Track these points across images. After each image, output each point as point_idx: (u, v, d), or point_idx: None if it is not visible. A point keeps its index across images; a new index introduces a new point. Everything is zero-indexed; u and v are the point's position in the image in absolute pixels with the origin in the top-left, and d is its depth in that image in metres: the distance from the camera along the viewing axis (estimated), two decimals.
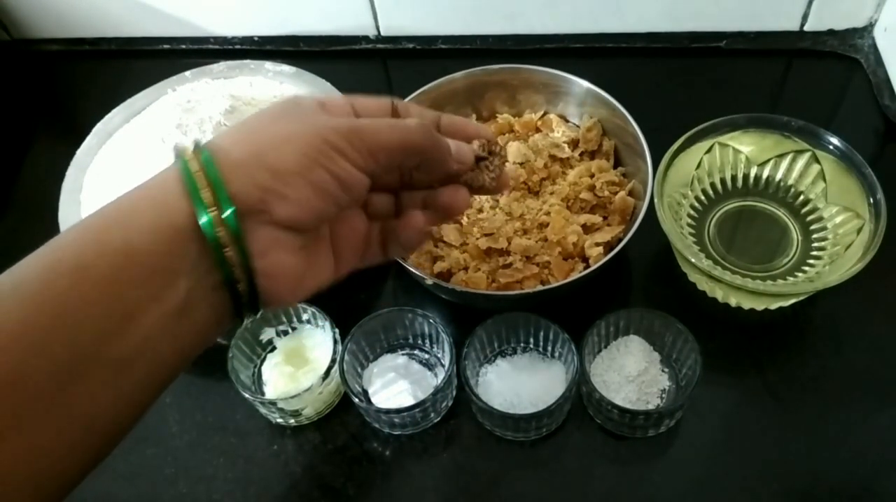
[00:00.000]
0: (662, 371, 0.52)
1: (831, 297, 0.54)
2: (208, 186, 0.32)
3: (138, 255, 0.31)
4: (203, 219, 0.32)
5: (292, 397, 0.49)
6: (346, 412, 0.53)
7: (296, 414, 0.52)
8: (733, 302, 0.55)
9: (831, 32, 0.70)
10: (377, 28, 0.73)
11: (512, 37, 0.73)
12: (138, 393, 0.32)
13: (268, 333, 0.55)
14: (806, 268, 0.53)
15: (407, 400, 0.51)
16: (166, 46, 0.77)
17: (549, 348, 0.53)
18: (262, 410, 0.52)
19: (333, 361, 0.51)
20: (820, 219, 0.55)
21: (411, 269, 0.52)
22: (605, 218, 0.57)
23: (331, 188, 0.35)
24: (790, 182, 0.57)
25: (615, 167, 0.59)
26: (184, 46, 0.77)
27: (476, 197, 0.56)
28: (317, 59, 0.74)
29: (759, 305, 0.54)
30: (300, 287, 0.36)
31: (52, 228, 0.59)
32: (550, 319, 0.51)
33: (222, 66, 0.69)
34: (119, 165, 0.61)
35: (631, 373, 0.51)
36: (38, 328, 0.29)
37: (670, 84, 0.71)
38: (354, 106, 0.39)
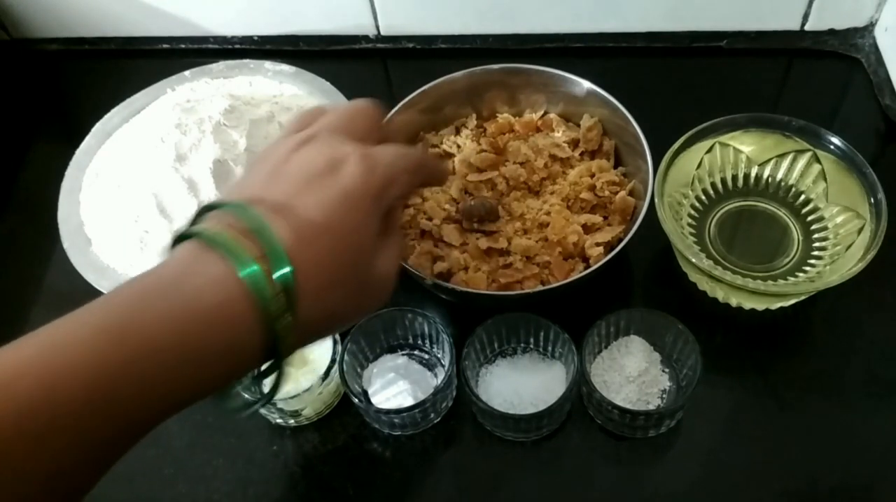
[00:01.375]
0: (663, 371, 0.52)
1: (832, 297, 0.54)
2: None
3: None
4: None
5: (292, 397, 0.49)
6: (345, 412, 0.53)
7: (295, 414, 0.52)
8: (734, 302, 0.55)
9: (832, 32, 0.70)
10: (377, 27, 0.73)
11: (512, 36, 0.73)
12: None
13: None
14: (806, 268, 0.53)
15: (407, 401, 0.51)
16: (166, 46, 0.77)
17: (550, 348, 0.53)
18: (262, 410, 0.52)
19: (333, 361, 0.51)
20: (821, 219, 0.55)
21: (411, 269, 0.52)
22: (605, 218, 0.57)
23: None
24: (791, 182, 0.57)
25: (615, 167, 0.59)
26: (183, 46, 0.77)
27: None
28: (316, 59, 0.73)
29: (760, 305, 0.54)
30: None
31: (51, 228, 0.59)
32: (551, 319, 0.51)
33: (222, 65, 0.69)
34: (118, 165, 0.61)
35: (631, 374, 0.51)
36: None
37: (671, 83, 0.71)
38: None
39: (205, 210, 0.35)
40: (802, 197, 0.56)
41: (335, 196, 0.35)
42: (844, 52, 0.70)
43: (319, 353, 0.53)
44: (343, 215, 0.35)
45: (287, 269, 0.32)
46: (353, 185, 0.35)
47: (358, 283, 0.36)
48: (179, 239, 0.34)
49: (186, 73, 0.69)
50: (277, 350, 0.33)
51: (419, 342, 0.55)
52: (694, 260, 0.51)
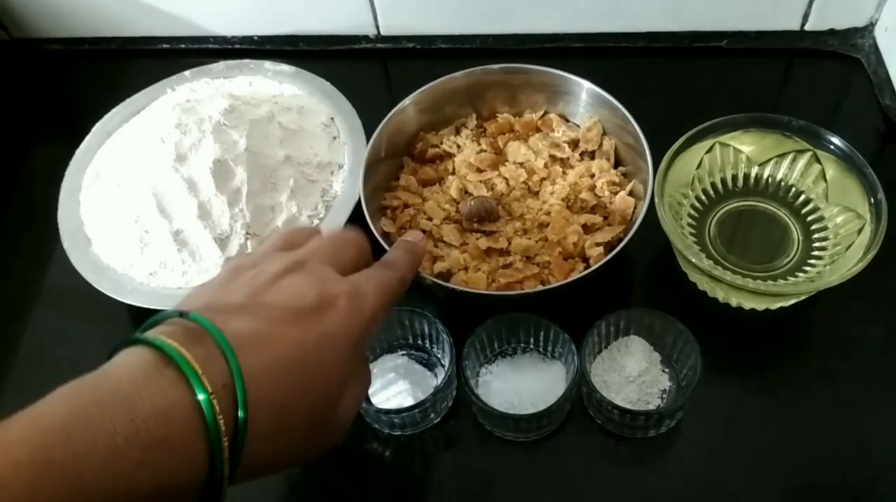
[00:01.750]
0: (663, 371, 0.52)
1: (832, 297, 0.54)
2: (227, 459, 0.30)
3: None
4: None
5: None
6: None
7: None
8: (734, 302, 0.55)
9: (832, 32, 0.70)
10: (377, 27, 0.73)
11: (512, 36, 0.73)
12: None
13: None
14: (807, 268, 0.53)
15: (407, 401, 0.51)
16: (166, 46, 0.77)
17: (550, 348, 0.53)
18: None
19: None
20: (821, 219, 0.55)
21: None
22: (605, 218, 0.57)
23: None
24: (791, 182, 0.57)
25: (615, 167, 0.59)
26: (183, 46, 0.77)
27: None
28: (316, 59, 0.73)
29: (760, 305, 0.54)
30: None
31: (51, 228, 0.59)
32: (551, 319, 0.51)
33: (222, 65, 0.69)
34: (118, 165, 0.61)
35: (631, 374, 0.51)
36: None
37: (671, 83, 0.71)
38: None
39: (169, 314, 0.32)
40: (802, 197, 0.56)
41: (316, 336, 0.33)
42: (844, 52, 0.70)
43: None
44: (319, 358, 0.33)
45: (243, 412, 0.30)
46: (338, 329, 0.34)
47: (316, 428, 0.34)
48: (134, 340, 0.31)
49: (186, 73, 0.69)
50: (218, 487, 0.31)
51: (419, 342, 0.55)
52: (694, 260, 0.51)
